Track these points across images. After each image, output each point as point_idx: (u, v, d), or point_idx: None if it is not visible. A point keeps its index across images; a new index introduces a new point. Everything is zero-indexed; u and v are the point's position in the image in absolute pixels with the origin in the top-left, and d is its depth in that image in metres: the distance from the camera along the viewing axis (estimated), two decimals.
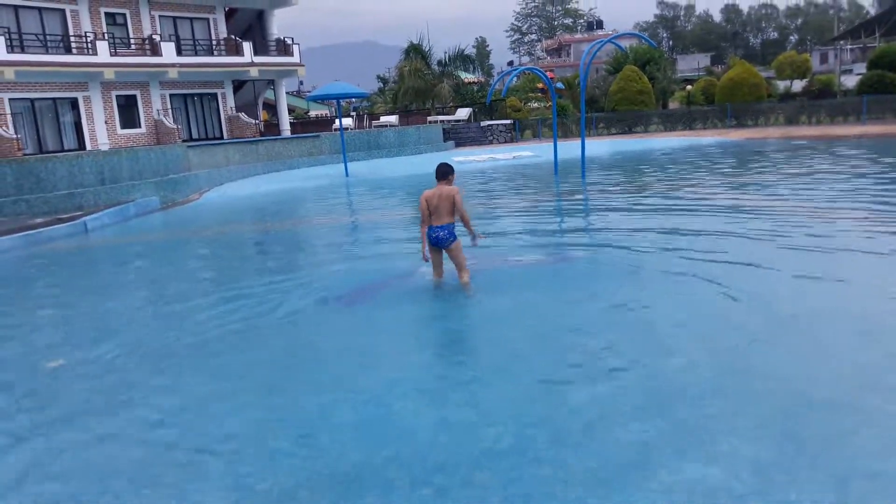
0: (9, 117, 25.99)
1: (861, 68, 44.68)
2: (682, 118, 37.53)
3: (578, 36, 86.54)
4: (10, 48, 25.44)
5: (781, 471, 3.29)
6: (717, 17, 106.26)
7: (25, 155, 24.33)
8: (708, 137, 30.36)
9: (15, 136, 25.19)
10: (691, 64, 73.70)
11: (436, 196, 6.63)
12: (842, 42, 49.74)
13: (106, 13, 29.02)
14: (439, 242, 6.72)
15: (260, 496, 3.36)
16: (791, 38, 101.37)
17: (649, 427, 3.79)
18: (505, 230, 10.49)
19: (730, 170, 17.82)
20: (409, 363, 5.07)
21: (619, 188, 15.27)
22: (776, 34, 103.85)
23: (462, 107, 39.93)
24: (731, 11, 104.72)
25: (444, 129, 35.32)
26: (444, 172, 6.77)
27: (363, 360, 5.18)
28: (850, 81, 41.52)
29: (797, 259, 7.27)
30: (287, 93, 40.27)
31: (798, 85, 43.25)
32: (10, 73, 24.96)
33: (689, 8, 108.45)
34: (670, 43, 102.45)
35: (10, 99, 26.25)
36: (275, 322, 6.41)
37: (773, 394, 4.14)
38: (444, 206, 6.61)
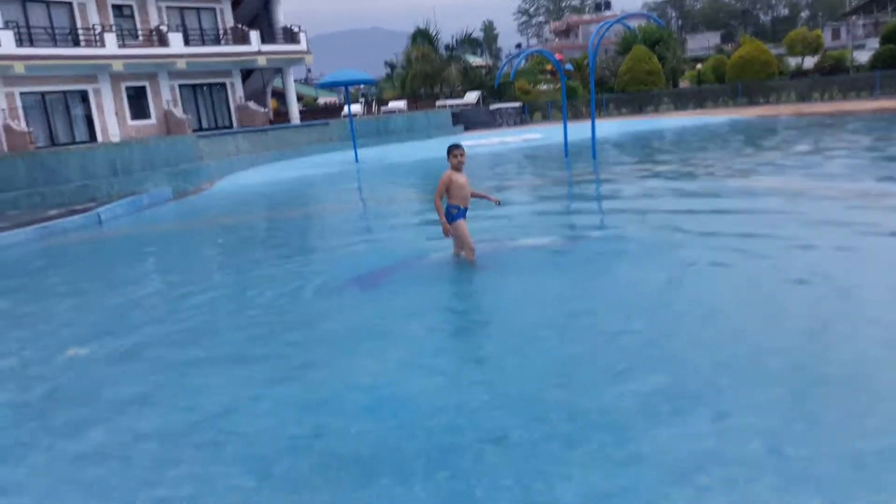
0: (20, 111, 26.16)
1: (874, 43, 44.14)
2: (693, 97, 37.28)
3: (586, 17, 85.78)
4: (20, 42, 25.57)
5: (794, 444, 3.29)
6: None
7: (38, 148, 24.49)
8: (719, 116, 30.14)
9: (27, 129, 25.36)
10: (701, 43, 73.03)
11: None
12: (854, 17, 49.11)
13: (113, 5, 29.09)
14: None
15: (277, 479, 3.40)
16: (802, 14, 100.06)
17: (663, 404, 3.81)
18: (516, 213, 10.48)
19: (741, 148, 17.69)
20: (423, 345, 5.10)
21: (629, 169, 15.20)
22: (787, 11, 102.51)
23: (471, 90, 39.79)
24: None
25: (453, 114, 35.24)
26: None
27: (377, 342, 5.21)
28: (863, 57, 41.05)
29: (813, 238, 7.23)
30: (295, 81, 40.26)
31: (810, 61, 42.78)
32: (20, 67, 25.09)
33: None
34: (679, 22, 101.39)
35: (20, 93, 26.41)
36: (289, 307, 6.46)
37: (786, 370, 4.13)
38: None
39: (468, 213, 7.19)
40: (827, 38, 59.53)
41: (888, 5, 42.66)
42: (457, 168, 7.02)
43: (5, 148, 25.13)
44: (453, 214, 7.05)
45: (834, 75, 37.66)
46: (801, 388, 3.91)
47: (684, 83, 43.99)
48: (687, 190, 11.33)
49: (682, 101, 37.05)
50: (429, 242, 8.57)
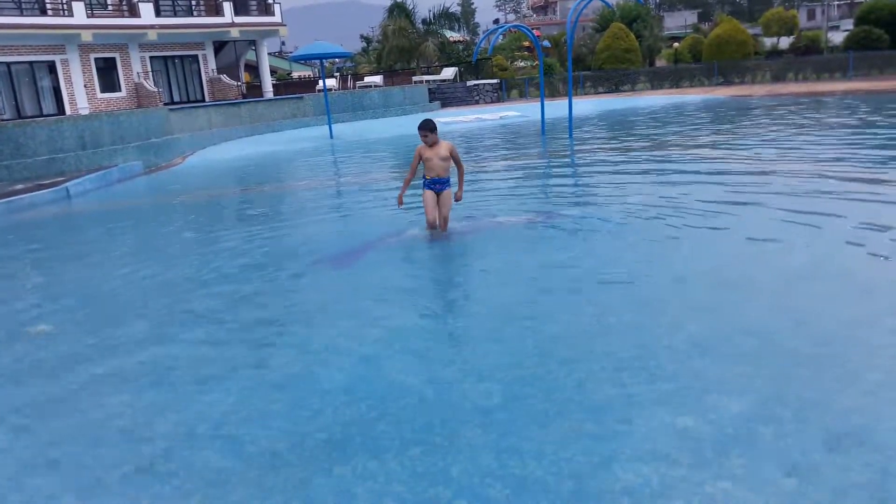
0: None
1: (848, 24, 44.54)
2: (669, 76, 37.37)
3: None
4: None
5: (766, 423, 3.33)
6: None
7: (3, 121, 23.89)
8: (694, 95, 30.27)
9: None
10: (678, 21, 73.15)
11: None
12: None
13: None
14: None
15: (251, 458, 3.37)
16: None
17: (637, 382, 3.83)
18: (492, 191, 10.46)
19: (714, 126, 17.79)
20: (397, 324, 5.08)
21: (605, 147, 15.22)
22: None
23: (447, 66, 39.50)
24: None
25: (429, 90, 34.97)
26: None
27: (350, 321, 5.18)
28: (838, 38, 41.40)
29: (786, 217, 7.29)
30: (269, 54, 39.68)
31: (785, 42, 43.07)
32: None
33: None
34: (657, 0, 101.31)
35: None
36: (262, 285, 6.39)
37: (760, 351, 4.18)
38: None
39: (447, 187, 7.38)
40: (802, 18, 59.98)
41: None
42: (430, 144, 7.19)
43: None
44: (424, 184, 7.35)
45: (808, 56, 37.96)
46: (776, 366, 3.95)
47: (661, 62, 44.07)
48: (661, 167, 11.38)
49: (658, 80, 37.13)
50: (404, 220, 8.51)
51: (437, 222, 7.39)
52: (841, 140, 13.44)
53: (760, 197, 8.26)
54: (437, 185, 7.29)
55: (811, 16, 67.50)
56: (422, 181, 7.38)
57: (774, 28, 45.06)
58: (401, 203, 7.59)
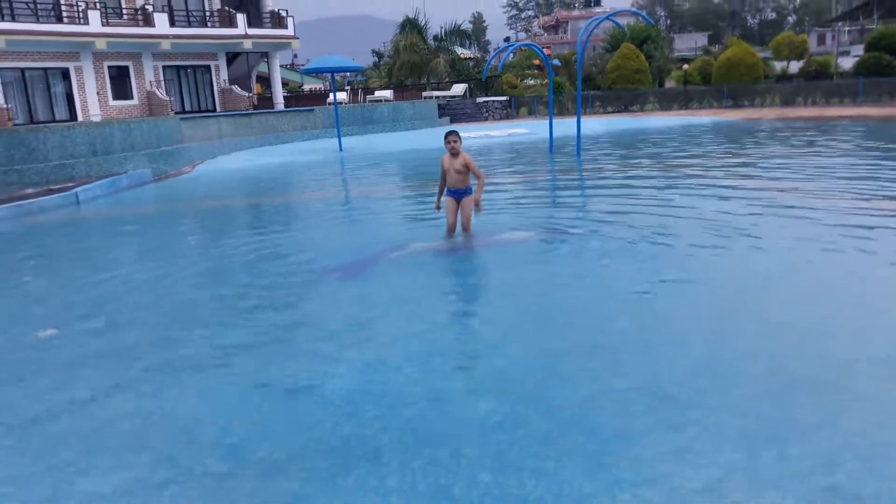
0: None
1: (859, 50, 44.56)
2: (678, 97, 37.44)
3: (576, 13, 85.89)
4: (1, 17, 25.10)
5: (768, 446, 3.31)
6: None
7: (16, 125, 24.09)
8: (703, 117, 30.30)
9: (6, 106, 24.95)
10: (688, 43, 73.36)
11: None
12: (840, 23, 49.58)
13: None
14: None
15: (252, 466, 3.38)
16: (789, 18, 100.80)
17: (639, 401, 3.82)
18: (499, 207, 10.48)
19: (722, 149, 17.81)
20: (401, 336, 5.08)
21: (613, 167, 15.24)
22: (774, 14, 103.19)
23: (458, 82, 39.69)
24: None
25: (439, 105, 35.13)
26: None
27: (355, 333, 5.19)
28: (848, 63, 41.42)
29: (793, 236, 7.29)
30: (281, 66, 39.94)
31: (795, 66, 43.11)
32: (0, 43, 24.64)
33: None
34: (668, 21, 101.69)
35: (0, 68, 25.94)
36: (270, 295, 6.41)
37: (764, 371, 4.16)
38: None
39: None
40: (813, 43, 60.10)
41: (874, 13, 43.07)
42: (453, 154, 7.70)
43: None
44: (445, 193, 7.94)
45: (818, 80, 37.99)
46: (778, 389, 3.94)
47: (670, 83, 44.18)
48: (669, 189, 11.39)
49: (667, 101, 37.20)
50: (412, 233, 8.55)
51: (456, 226, 7.90)
52: (854, 164, 13.43)
53: (772, 218, 8.26)
54: (456, 194, 7.86)
55: (821, 41, 67.65)
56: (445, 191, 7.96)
57: (784, 52, 45.14)
58: (438, 208, 8.14)
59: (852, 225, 7.78)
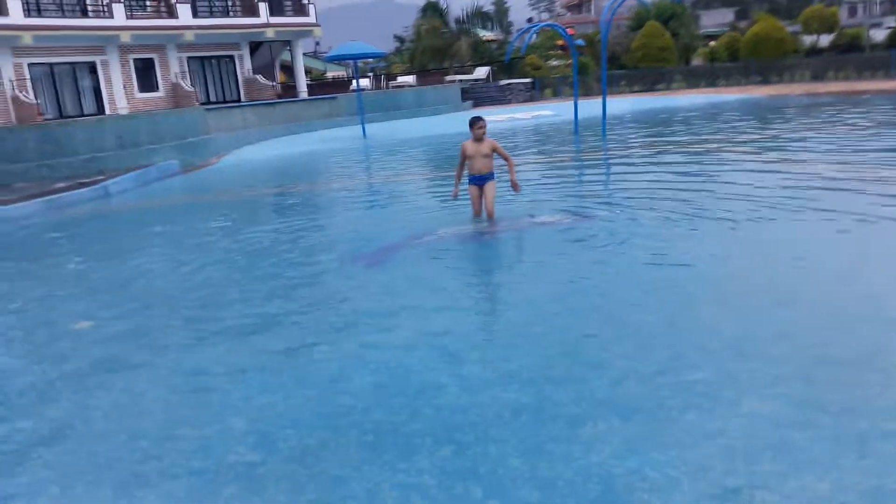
0: (28, 82, 26.07)
1: (891, 21, 43.46)
2: (706, 75, 36.87)
3: None
4: (27, 12, 25.40)
5: (799, 428, 3.28)
6: None
7: (46, 120, 24.46)
8: (731, 95, 29.80)
9: (35, 101, 25.30)
10: (715, 19, 72.01)
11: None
12: None
13: None
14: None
15: (283, 454, 3.42)
16: None
17: (669, 384, 3.80)
18: (525, 190, 10.41)
19: (751, 127, 17.52)
20: (430, 322, 5.10)
21: (639, 147, 15.08)
22: None
23: (480, 65, 39.43)
24: None
25: (462, 89, 34.93)
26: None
27: (383, 319, 5.21)
28: (880, 35, 40.43)
29: (820, 220, 7.17)
30: (304, 54, 39.95)
31: (825, 39, 42.13)
32: (28, 38, 24.97)
33: None
34: None
35: (29, 64, 26.29)
36: (297, 283, 6.47)
37: (795, 352, 4.11)
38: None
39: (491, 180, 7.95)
40: (843, 15, 58.58)
41: None
42: (478, 139, 7.72)
43: (14, 119, 25.10)
44: (469, 180, 7.95)
45: (849, 54, 37.12)
46: (809, 370, 3.89)
47: (697, 60, 43.47)
48: (697, 168, 11.24)
49: (694, 79, 36.64)
50: (437, 218, 8.55)
51: (482, 212, 7.96)
52: (889, 138, 13.14)
53: (797, 200, 8.12)
54: (480, 180, 7.87)
55: (852, 13, 65.99)
56: (467, 178, 7.99)
57: (814, 25, 44.07)
58: (455, 196, 8.20)
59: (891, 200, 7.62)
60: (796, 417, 3.38)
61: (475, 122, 7.73)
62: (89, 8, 27.47)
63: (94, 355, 4.94)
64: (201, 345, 5.02)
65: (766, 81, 34.68)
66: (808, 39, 42.27)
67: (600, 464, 3.11)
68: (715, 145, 14.14)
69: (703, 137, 15.78)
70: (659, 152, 13.85)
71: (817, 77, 34.08)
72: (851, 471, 2.95)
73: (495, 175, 7.93)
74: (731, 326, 4.59)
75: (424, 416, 3.66)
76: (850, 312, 4.73)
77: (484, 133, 7.74)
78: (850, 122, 16.82)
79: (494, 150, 7.75)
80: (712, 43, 44.28)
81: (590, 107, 21.77)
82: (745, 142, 14.33)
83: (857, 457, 3.05)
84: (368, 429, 3.58)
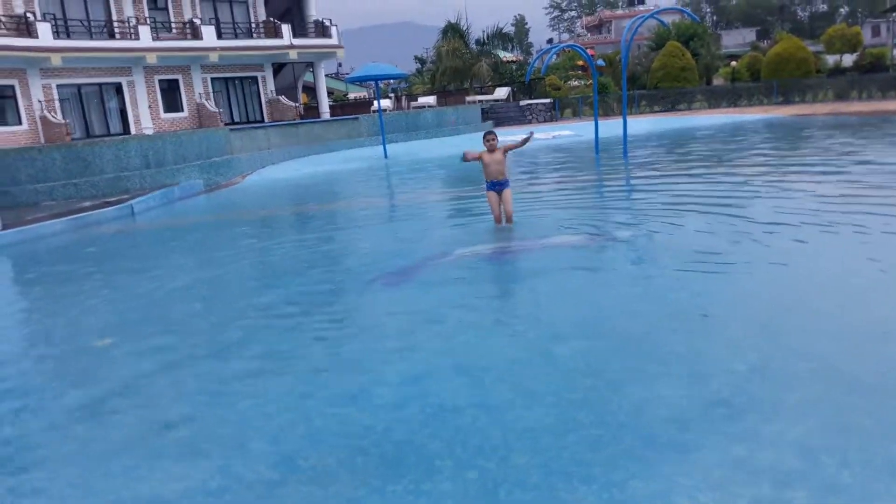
0: (57, 103, 26.62)
1: None
2: (727, 95, 36.71)
3: (619, 12, 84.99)
4: (56, 34, 26.01)
5: (827, 452, 3.22)
6: None
7: (73, 140, 24.90)
8: (753, 115, 29.64)
9: (63, 121, 25.80)
10: (736, 39, 72.00)
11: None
12: (894, 14, 47.95)
13: None
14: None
15: (303, 472, 3.41)
16: (841, 10, 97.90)
17: (693, 407, 3.75)
18: (544, 210, 10.42)
19: (774, 148, 17.39)
20: (450, 343, 5.08)
21: (660, 167, 15.02)
22: (825, 6, 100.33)
23: (501, 86, 39.60)
24: None
25: (482, 109, 35.10)
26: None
27: (404, 339, 5.21)
28: None
29: (845, 243, 7.07)
30: (326, 75, 40.44)
31: (848, 59, 41.83)
32: (56, 60, 25.53)
33: None
34: (714, 18, 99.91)
35: (57, 85, 26.86)
36: (318, 303, 6.49)
37: (820, 376, 4.04)
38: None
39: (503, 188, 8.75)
40: (867, 35, 58.26)
41: None
42: (490, 150, 8.60)
43: (42, 139, 25.61)
44: (486, 186, 8.81)
45: (873, 73, 36.81)
46: (836, 394, 3.82)
47: (718, 80, 43.35)
48: (718, 191, 11.16)
49: (715, 99, 36.49)
50: (457, 238, 8.56)
51: (502, 218, 8.77)
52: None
53: (828, 217, 8.03)
54: (498, 186, 8.71)
55: (876, 32, 65.58)
56: (485, 185, 8.85)
57: (837, 45, 43.85)
58: (465, 158, 8.69)
59: None
60: (825, 442, 3.32)
61: (486, 136, 8.74)
62: (116, 30, 28.05)
63: (116, 372, 4.98)
64: (221, 363, 5.04)
65: (788, 101, 34.45)
66: (831, 59, 42.01)
67: (622, 486, 3.07)
68: (739, 166, 14.04)
69: (726, 159, 15.68)
70: (680, 173, 13.78)
71: (841, 97, 33.79)
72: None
73: (509, 183, 8.78)
74: (755, 350, 4.53)
75: (445, 437, 3.64)
76: (871, 333, 4.65)
77: (493, 146, 8.59)
78: (887, 142, 16.64)
79: (506, 150, 8.69)
80: (733, 63, 44.17)
81: (610, 127, 21.76)
82: (772, 163, 14.21)
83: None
84: (389, 449, 3.57)
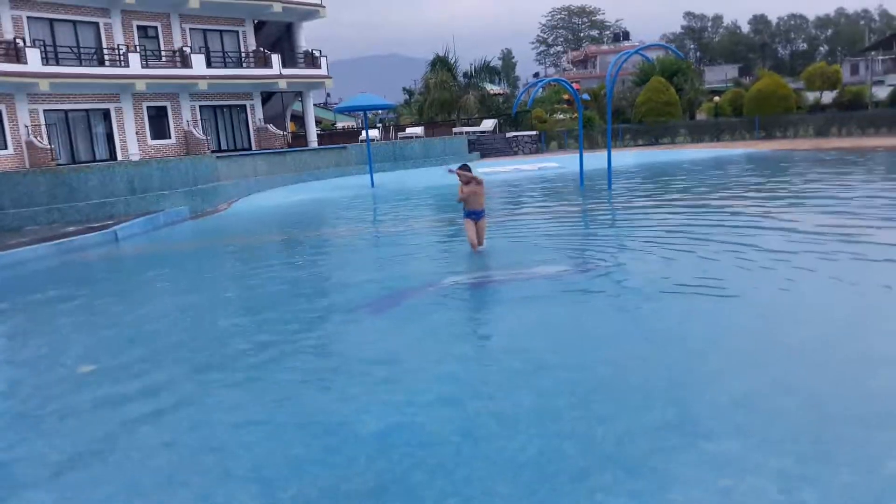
0: (43, 128, 26.55)
1: (893, 79, 44.04)
2: (710, 130, 37.26)
3: (605, 47, 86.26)
4: (45, 60, 26.03)
5: (809, 485, 3.22)
6: (746, 28, 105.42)
7: (59, 165, 24.81)
8: (736, 149, 30.06)
9: (49, 146, 25.72)
10: (719, 75, 73.21)
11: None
12: (873, 53, 49.11)
13: (138, 26, 29.60)
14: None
15: (284, 503, 3.37)
16: (821, 48, 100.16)
17: (675, 438, 3.75)
18: (529, 241, 10.47)
19: (756, 182, 17.63)
20: (434, 373, 5.07)
21: (644, 200, 15.17)
22: (805, 45, 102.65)
23: (487, 118, 39.99)
24: (759, 22, 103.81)
25: (469, 141, 35.41)
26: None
27: (387, 368, 5.19)
28: (882, 93, 40.94)
29: (828, 273, 7.16)
30: (315, 105, 40.66)
31: (828, 96, 42.69)
32: (44, 85, 25.52)
33: (717, 19, 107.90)
34: (698, 54, 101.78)
35: (44, 110, 26.81)
36: (301, 331, 6.46)
37: (802, 407, 4.07)
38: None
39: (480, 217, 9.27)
40: (846, 73, 59.45)
41: None
42: (465, 182, 9.16)
43: (27, 164, 25.48)
44: (465, 214, 9.36)
45: (852, 111, 37.53)
46: (817, 426, 3.84)
47: (701, 115, 44.02)
48: (701, 224, 11.28)
49: (698, 134, 37.03)
50: (441, 268, 8.58)
51: (476, 243, 9.21)
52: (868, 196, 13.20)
53: (810, 250, 8.13)
54: (474, 215, 9.24)
55: (854, 70, 66.94)
56: (463, 212, 9.36)
57: (817, 83, 44.72)
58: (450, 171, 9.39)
59: None
60: (805, 474, 3.33)
61: (458, 170, 9.31)
62: (106, 57, 28.11)
63: (95, 400, 4.92)
64: (202, 391, 5.00)
65: (769, 137, 35.00)
66: (811, 96, 42.82)
67: None
68: (720, 200, 14.21)
69: (708, 192, 15.86)
70: (664, 206, 13.92)
71: (821, 133, 34.38)
72: None
73: (484, 213, 9.38)
74: (738, 382, 4.55)
75: (428, 468, 3.62)
76: (849, 366, 4.70)
77: (466, 177, 9.14)
78: (867, 176, 16.92)
79: (479, 185, 9.24)
80: (716, 98, 44.90)
81: (595, 160, 21.97)
82: (755, 197, 14.39)
83: None
84: (371, 479, 3.54)
